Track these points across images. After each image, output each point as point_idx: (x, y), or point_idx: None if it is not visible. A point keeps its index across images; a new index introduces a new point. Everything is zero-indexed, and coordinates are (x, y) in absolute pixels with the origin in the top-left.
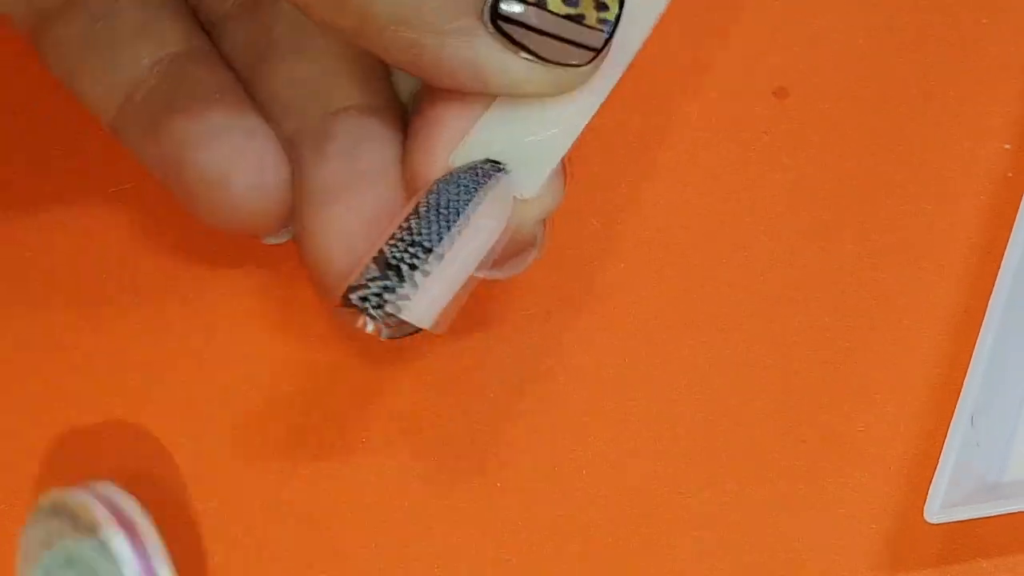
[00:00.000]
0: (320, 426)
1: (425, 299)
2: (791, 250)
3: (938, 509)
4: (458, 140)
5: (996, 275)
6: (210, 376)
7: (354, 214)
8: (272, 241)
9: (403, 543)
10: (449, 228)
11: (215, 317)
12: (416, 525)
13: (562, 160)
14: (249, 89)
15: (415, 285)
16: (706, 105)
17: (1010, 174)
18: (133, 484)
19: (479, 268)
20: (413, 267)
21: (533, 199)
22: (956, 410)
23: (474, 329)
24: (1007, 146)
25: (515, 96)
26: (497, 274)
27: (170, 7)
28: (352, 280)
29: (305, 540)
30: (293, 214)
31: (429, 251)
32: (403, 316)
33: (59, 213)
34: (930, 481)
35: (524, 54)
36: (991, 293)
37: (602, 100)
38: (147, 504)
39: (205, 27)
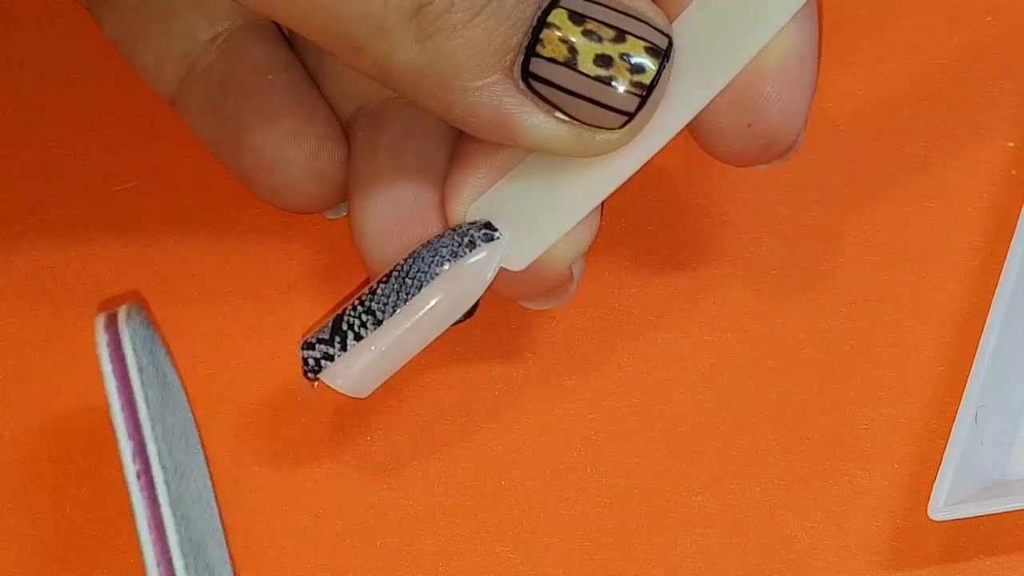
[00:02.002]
0: (322, 424)
1: (360, 371)
2: (794, 249)
3: (942, 506)
4: (484, 189)
5: (999, 273)
6: (213, 374)
7: (392, 206)
8: (332, 216)
9: (407, 540)
10: (407, 301)
11: (216, 317)
12: (420, 523)
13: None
14: (313, 68)
15: (355, 356)
16: None
17: (1014, 172)
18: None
19: (437, 335)
20: (359, 336)
21: (565, 238)
22: (960, 408)
23: (478, 327)
24: (1011, 144)
25: (545, 152)
26: (537, 306)
27: None
28: (309, 335)
29: (308, 538)
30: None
31: (380, 323)
32: (335, 386)
33: (59, 213)
34: (934, 479)
35: (558, 113)
36: (994, 291)
37: (634, 170)
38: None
39: None
